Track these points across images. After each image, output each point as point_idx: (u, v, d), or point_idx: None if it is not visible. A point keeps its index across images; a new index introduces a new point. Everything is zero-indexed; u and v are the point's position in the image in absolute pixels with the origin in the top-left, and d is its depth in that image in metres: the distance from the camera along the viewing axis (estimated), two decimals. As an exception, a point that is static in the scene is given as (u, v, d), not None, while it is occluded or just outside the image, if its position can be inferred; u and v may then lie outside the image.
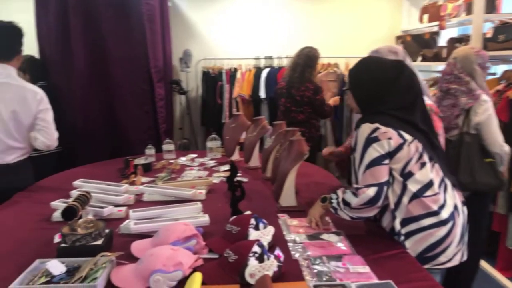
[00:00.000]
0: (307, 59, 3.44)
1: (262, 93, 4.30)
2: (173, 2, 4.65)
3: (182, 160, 3.02)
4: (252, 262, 1.31)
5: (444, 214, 1.58)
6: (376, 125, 1.53)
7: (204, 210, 1.92)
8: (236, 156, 3.00)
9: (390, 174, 1.57)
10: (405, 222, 1.60)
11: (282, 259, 1.46)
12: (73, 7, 3.45)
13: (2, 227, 1.86)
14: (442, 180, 1.61)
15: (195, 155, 3.18)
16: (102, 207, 1.91)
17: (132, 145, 3.63)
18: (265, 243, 1.53)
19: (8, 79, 2.34)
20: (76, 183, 2.30)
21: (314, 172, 2.71)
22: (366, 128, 1.55)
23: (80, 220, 1.58)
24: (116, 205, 2.02)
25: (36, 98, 2.38)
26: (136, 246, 1.54)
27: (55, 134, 2.49)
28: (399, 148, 1.53)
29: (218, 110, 4.37)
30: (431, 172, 1.58)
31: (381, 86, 1.60)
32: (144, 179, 2.52)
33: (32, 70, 3.32)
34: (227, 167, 2.81)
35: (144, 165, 2.73)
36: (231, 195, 1.92)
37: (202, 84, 4.52)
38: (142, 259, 1.36)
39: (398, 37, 4.79)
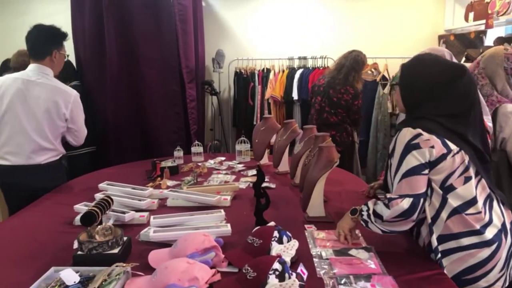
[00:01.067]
0: (354, 62, 3.31)
1: (295, 95, 4.18)
2: (207, 2, 4.62)
3: (210, 163, 2.96)
4: (272, 280, 1.22)
5: (488, 234, 1.43)
6: (419, 130, 1.41)
7: (227, 218, 1.84)
8: (265, 160, 2.91)
9: (429, 185, 1.44)
10: (442, 238, 1.46)
11: (305, 276, 1.35)
12: (106, 8, 3.47)
13: (24, 228, 1.85)
14: (488, 197, 1.48)
15: (223, 158, 3.11)
16: (124, 212, 1.86)
17: (162, 146, 3.62)
18: (288, 258, 1.44)
19: (44, 79, 2.36)
20: (102, 185, 2.29)
21: (345, 179, 2.57)
22: (407, 133, 1.43)
23: (99, 226, 1.53)
24: (139, 210, 1.98)
25: (69, 99, 2.40)
26: (154, 256, 1.48)
27: (83, 136, 2.51)
28: (441, 158, 1.41)
29: (250, 111, 4.30)
30: (476, 188, 1.45)
31: (435, 87, 1.46)
32: (170, 183, 2.47)
33: (62, 71, 3.37)
34: (255, 171, 2.73)
35: (171, 168, 2.69)
36: (256, 203, 1.83)
37: (234, 85, 4.45)
38: (156, 271, 1.29)
39: (441, 36, 4.55)
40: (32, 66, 2.38)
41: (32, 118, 2.33)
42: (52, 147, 2.42)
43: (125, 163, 3.13)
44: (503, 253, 1.45)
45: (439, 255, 1.46)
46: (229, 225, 1.69)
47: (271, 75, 4.18)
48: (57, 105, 2.36)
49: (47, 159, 2.40)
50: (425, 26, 4.62)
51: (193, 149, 3.10)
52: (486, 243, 1.42)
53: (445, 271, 1.43)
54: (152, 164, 2.70)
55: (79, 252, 1.44)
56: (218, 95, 4.21)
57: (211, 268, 1.39)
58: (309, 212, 1.89)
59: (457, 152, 1.42)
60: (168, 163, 2.80)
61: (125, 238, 1.56)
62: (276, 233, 1.50)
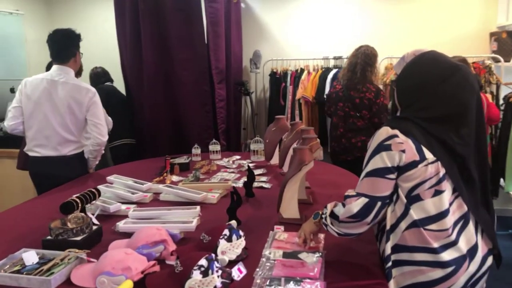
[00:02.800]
0: (365, 57, 3.20)
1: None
2: (246, 3, 4.71)
3: (224, 161, 3.05)
4: (196, 275, 1.27)
5: (446, 255, 1.33)
6: (396, 132, 1.33)
7: (208, 215, 1.92)
8: (275, 160, 2.93)
9: (396, 191, 1.38)
10: (397, 248, 1.39)
11: (242, 275, 1.40)
12: (142, 12, 3.69)
13: (31, 213, 2.08)
14: (463, 217, 1.37)
15: (238, 157, 3.19)
16: (111, 204, 2.01)
17: (192, 142, 3.77)
18: (233, 256, 1.49)
19: (66, 78, 2.62)
20: (110, 178, 2.47)
21: (347, 183, 2.51)
22: (383, 132, 1.35)
23: (71, 215, 1.69)
24: (131, 203, 2.13)
25: (88, 95, 2.65)
26: (114, 245, 1.60)
27: (105, 128, 2.73)
28: (412, 165, 1.31)
29: (281, 112, 4.31)
30: (449, 205, 1.34)
31: (423, 88, 1.35)
32: (175, 178, 2.60)
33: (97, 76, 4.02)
34: (261, 170, 2.77)
35: (182, 164, 2.82)
36: (230, 201, 1.88)
37: (269, 85, 4.50)
38: (99, 259, 1.40)
39: (492, 34, 4.20)
40: (55, 67, 2.64)
41: (57, 113, 2.59)
42: (76, 140, 2.68)
43: (150, 158, 3.33)
44: (459, 280, 1.35)
45: (390, 263, 1.40)
46: (195, 221, 1.76)
47: (303, 75, 4.17)
48: (78, 101, 2.62)
49: (71, 151, 2.65)
50: (475, 23, 4.30)
51: (211, 147, 3.21)
52: (440, 264, 1.33)
53: (391, 282, 1.38)
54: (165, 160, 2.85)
55: (48, 237, 1.60)
56: (251, 95, 4.29)
57: (159, 260, 1.48)
58: (283, 213, 1.91)
59: (432, 162, 1.31)
60: (181, 159, 2.94)
61: (95, 227, 1.70)
62: (226, 231, 1.54)
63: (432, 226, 1.32)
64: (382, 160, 1.33)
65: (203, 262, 1.30)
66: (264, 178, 2.59)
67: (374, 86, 3.27)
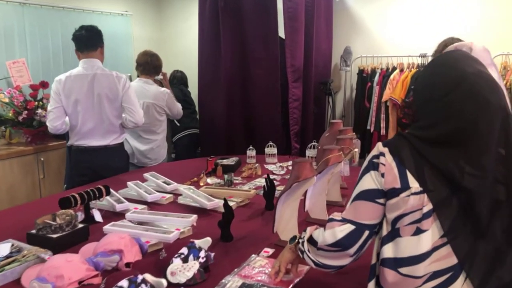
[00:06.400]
0: None
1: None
2: (341, -4, 4.34)
3: (275, 166, 2.84)
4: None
5: None
6: (385, 150, 1.10)
7: (209, 224, 1.80)
8: (327, 170, 2.62)
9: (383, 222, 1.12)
10: (378, 285, 1.13)
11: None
12: (222, 10, 3.68)
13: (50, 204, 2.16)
14: (449, 270, 1.04)
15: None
16: (121, 202, 2.01)
17: (263, 142, 3.64)
18: (183, 279, 1.33)
19: (96, 70, 2.71)
20: (146, 175, 2.48)
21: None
22: (375, 148, 1.14)
23: (60, 211, 1.71)
24: (146, 203, 2.10)
25: (121, 82, 2.74)
26: (84, 249, 1.57)
27: (140, 113, 2.80)
28: (392, 193, 1.07)
29: (365, 114, 3.88)
30: (432, 249, 1.04)
31: (427, 100, 1.08)
32: (210, 180, 2.51)
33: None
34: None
35: (226, 166, 2.71)
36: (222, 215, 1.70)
37: (356, 84, 4.08)
38: (45, 262, 1.37)
39: None
40: (82, 62, 2.72)
41: (97, 105, 2.70)
42: (115, 129, 2.79)
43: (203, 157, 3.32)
44: None
45: None
46: (175, 233, 1.63)
47: (393, 74, 3.66)
48: (114, 89, 2.72)
49: (112, 141, 2.78)
50: None
51: (267, 150, 3.03)
52: None
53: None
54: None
55: (32, 231, 1.64)
56: (333, 96, 3.95)
57: (115, 270, 1.40)
58: (280, 235, 1.65)
59: (417, 193, 1.04)
60: (229, 160, 2.83)
61: (81, 226, 1.69)
62: (184, 250, 1.39)
63: (404, 270, 1.06)
64: (371, 181, 1.11)
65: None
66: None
67: None
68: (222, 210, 1.96)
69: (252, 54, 3.68)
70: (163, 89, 3.41)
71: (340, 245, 1.13)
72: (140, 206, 2.03)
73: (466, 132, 1.01)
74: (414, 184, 1.04)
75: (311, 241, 1.22)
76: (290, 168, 2.78)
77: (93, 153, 2.72)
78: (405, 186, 1.04)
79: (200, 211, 1.99)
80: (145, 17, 5.28)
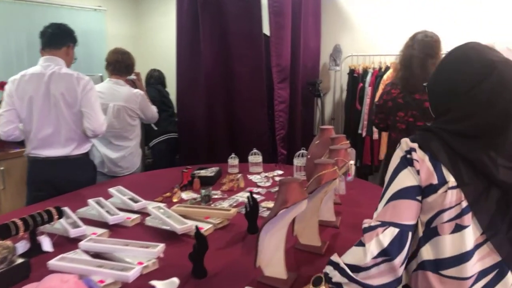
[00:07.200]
0: (424, 47, 2.34)
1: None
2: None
3: (259, 177, 2.55)
4: None
5: None
6: (415, 145, 1.05)
7: (180, 254, 1.49)
8: (317, 182, 2.34)
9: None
10: None
11: None
12: (201, 3, 3.38)
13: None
14: (495, 268, 1.02)
15: (281, 172, 2.66)
16: (78, 226, 1.69)
17: (247, 148, 3.35)
18: None
19: (55, 69, 2.39)
20: (111, 190, 2.17)
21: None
22: (403, 145, 1.08)
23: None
24: (109, 225, 1.79)
25: (81, 83, 2.42)
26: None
27: (100, 119, 2.48)
28: (429, 190, 1.02)
29: (357, 117, 3.61)
30: (474, 247, 1.01)
31: (452, 92, 1.05)
32: (185, 195, 2.20)
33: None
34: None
35: (204, 178, 2.41)
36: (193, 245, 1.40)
37: (347, 85, 3.82)
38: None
39: None
40: (42, 59, 2.41)
41: (54, 109, 2.37)
42: (77, 137, 2.46)
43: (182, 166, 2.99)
44: None
45: None
46: (135, 269, 1.33)
47: (386, 75, 3.40)
48: (72, 91, 2.39)
49: (74, 150, 2.45)
50: None
51: (250, 158, 2.74)
52: None
53: None
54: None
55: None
56: (322, 97, 3.67)
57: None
58: (265, 270, 1.36)
59: (454, 187, 1.00)
60: (207, 171, 2.54)
61: (19, 261, 1.38)
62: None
63: (448, 271, 1.01)
64: (409, 177, 1.04)
65: None
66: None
67: None
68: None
69: (235, 51, 3.39)
70: (136, 90, 3.09)
71: (388, 253, 0.97)
72: (99, 230, 1.72)
73: (498, 122, 0.98)
74: (450, 178, 1.00)
75: (351, 266, 1.01)
76: (277, 178, 2.51)
77: (52, 165, 2.38)
78: (442, 181, 1.00)
79: (171, 236, 1.70)
80: (120, 13, 4.95)
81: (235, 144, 3.52)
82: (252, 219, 1.77)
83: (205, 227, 1.73)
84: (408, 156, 1.04)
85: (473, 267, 1.00)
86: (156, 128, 3.87)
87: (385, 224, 1.00)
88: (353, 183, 2.35)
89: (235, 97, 3.49)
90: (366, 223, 1.04)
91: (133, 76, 3.24)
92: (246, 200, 1.78)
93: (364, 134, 3.55)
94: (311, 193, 1.47)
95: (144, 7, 5.04)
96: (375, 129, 3.48)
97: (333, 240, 1.67)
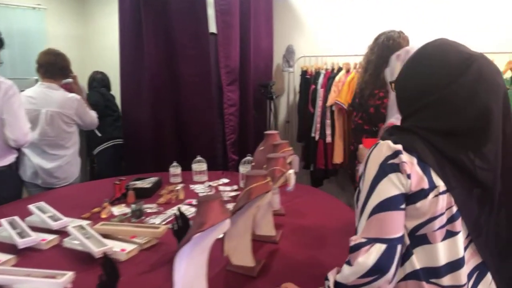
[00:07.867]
0: (382, 51, 2.28)
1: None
2: (280, -10, 3.95)
3: (202, 186, 2.38)
4: None
5: None
6: (399, 147, 0.96)
7: (86, 284, 1.29)
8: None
9: None
10: None
11: None
12: (144, 1, 3.17)
13: None
14: (477, 269, 1.02)
15: (227, 181, 2.50)
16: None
17: (197, 154, 3.18)
18: None
19: None
20: (31, 207, 1.94)
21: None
22: (383, 149, 0.97)
23: None
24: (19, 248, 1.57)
25: (1, 88, 2.21)
26: None
27: (24, 129, 2.29)
28: (419, 195, 0.94)
29: (309, 120, 3.50)
30: (465, 250, 0.99)
31: (429, 91, 0.98)
32: (116, 210, 2.00)
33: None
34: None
35: (139, 189, 2.22)
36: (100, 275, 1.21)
37: (299, 87, 3.70)
38: None
39: None
40: None
41: None
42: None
43: (128, 175, 2.78)
44: None
45: None
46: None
47: (338, 76, 3.31)
48: None
49: None
50: None
51: (194, 166, 2.56)
52: None
53: None
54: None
55: None
56: (274, 100, 3.54)
57: None
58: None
59: (444, 192, 0.95)
60: (144, 182, 2.34)
61: None
62: None
63: (444, 281, 0.97)
64: (392, 186, 0.95)
65: None
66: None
67: (386, 91, 2.37)
68: (118, 258, 1.51)
69: (181, 51, 3.20)
70: (72, 94, 2.85)
71: (377, 270, 0.92)
72: (5, 257, 1.50)
73: (477, 121, 0.94)
74: (440, 183, 0.95)
75: (338, 285, 0.98)
76: (221, 188, 2.35)
77: None
78: (432, 185, 0.94)
79: (90, 260, 1.50)
80: (62, 12, 4.64)
81: (183, 150, 3.33)
82: (182, 237, 1.59)
83: (128, 248, 1.54)
84: (391, 161, 0.95)
85: (464, 272, 0.97)
86: (100, 134, 3.63)
87: (370, 242, 0.94)
88: (300, 191, 2.22)
89: (181, 100, 3.31)
90: (353, 240, 0.97)
91: (69, 80, 3.00)
92: (190, 210, 1.60)
93: (317, 137, 3.44)
94: (241, 209, 1.31)
95: (88, 7, 4.76)
96: (328, 132, 3.38)
97: (271, 257, 1.52)
